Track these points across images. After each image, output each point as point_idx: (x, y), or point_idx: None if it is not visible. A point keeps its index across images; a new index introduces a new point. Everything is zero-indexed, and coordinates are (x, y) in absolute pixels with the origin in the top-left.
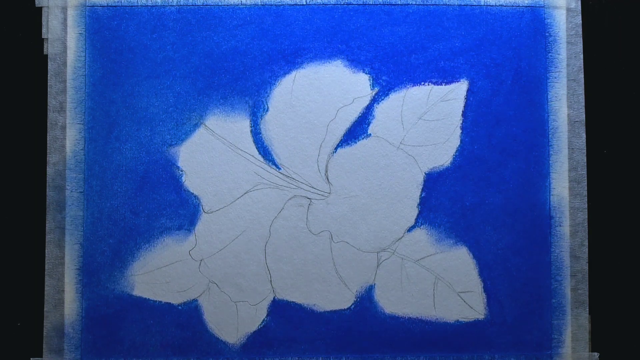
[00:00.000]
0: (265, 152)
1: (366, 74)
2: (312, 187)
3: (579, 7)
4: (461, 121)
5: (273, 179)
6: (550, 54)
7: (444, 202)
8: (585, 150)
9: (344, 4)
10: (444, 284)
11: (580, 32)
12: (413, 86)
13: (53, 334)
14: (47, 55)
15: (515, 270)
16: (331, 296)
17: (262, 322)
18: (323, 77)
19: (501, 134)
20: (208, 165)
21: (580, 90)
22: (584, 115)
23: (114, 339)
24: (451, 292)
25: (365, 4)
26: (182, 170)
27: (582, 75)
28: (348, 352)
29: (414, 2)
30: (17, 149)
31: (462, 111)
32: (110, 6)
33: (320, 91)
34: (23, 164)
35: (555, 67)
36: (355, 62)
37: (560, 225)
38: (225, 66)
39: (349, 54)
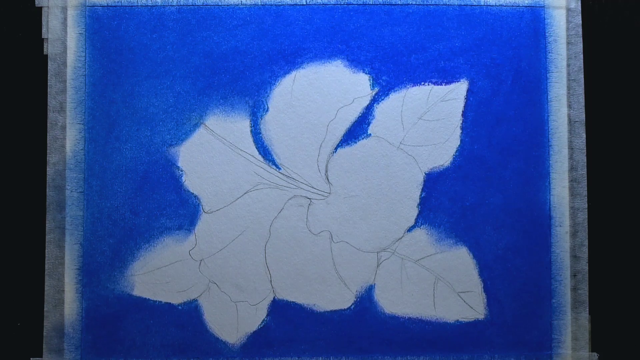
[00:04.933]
0: (265, 152)
1: (366, 74)
2: (312, 187)
3: (579, 7)
4: (461, 121)
5: (273, 179)
6: (550, 54)
7: (444, 202)
8: (585, 150)
9: (344, 4)
10: (444, 284)
11: (580, 32)
12: (413, 86)
13: (53, 334)
14: (47, 55)
15: (515, 270)
16: (331, 296)
17: (262, 322)
18: (323, 77)
19: (501, 134)
20: (208, 165)
21: (580, 90)
22: (584, 115)
23: (114, 339)
24: (451, 292)
25: (365, 4)
26: (182, 170)
27: (582, 75)
28: (348, 352)
29: (414, 2)
30: (17, 149)
31: (462, 111)
32: (110, 6)
33: (320, 91)
34: (23, 164)
35: (555, 67)
36: (355, 62)
37: (560, 225)
38: (225, 66)
39: (349, 54)
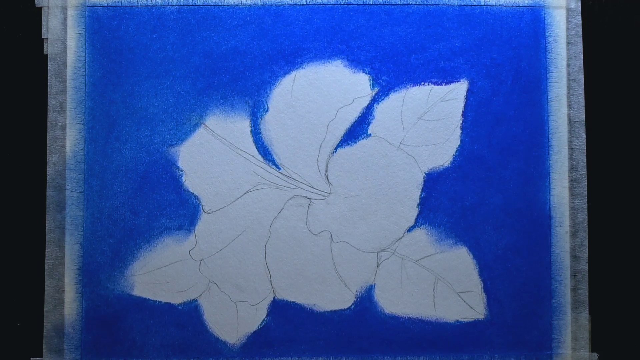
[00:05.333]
0: (265, 152)
1: (366, 74)
2: (312, 187)
3: (579, 7)
4: (461, 121)
5: (273, 179)
6: (550, 54)
7: (444, 202)
8: (585, 150)
9: (344, 4)
10: (444, 284)
11: (580, 32)
12: (413, 86)
13: (53, 334)
14: (47, 55)
15: (515, 270)
16: (331, 296)
17: (262, 322)
18: (323, 77)
19: (501, 134)
20: (208, 165)
21: (580, 90)
22: (584, 115)
23: (114, 339)
24: (451, 292)
25: (365, 4)
26: (182, 170)
27: (582, 75)
28: (348, 352)
29: (414, 2)
30: (17, 149)
31: (462, 111)
32: (110, 6)
33: (320, 91)
34: (23, 164)
35: (555, 67)
36: (355, 62)
37: (560, 225)
38: (225, 66)
39: (349, 54)
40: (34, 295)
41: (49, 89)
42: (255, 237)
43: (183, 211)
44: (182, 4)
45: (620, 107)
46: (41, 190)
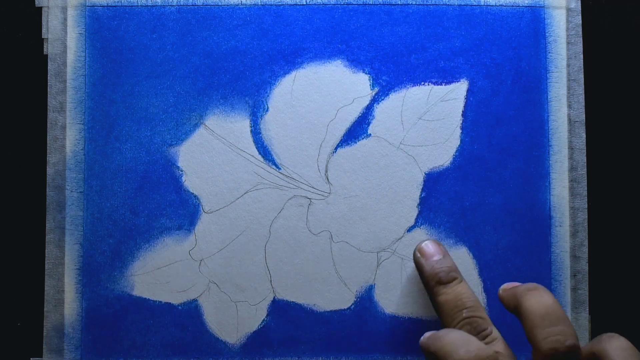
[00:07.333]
0: (265, 152)
1: (366, 74)
2: (312, 187)
3: (579, 7)
4: (461, 121)
5: (273, 179)
6: (550, 54)
7: (444, 202)
8: (585, 150)
9: (344, 4)
10: None
11: (580, 32)
12: (413, 86)
13: (53, 334)
14: (47, 55)
15: (515, 270)
16: (331, 296)
17: (262, 322)
18: (323, 77)
19: (501, 134)
20: (208, 165)
21: (580, 90)
22: (584, 115)
23: (114, 339)
24: None
25: (365, 4)
26: (182, 170)
27: (582, 75)
28: (348, 352)
29: (414, 2)
30: (17, 149)
31: (462, 111)
32: (110, 6)
33: (320, 91)
34: (23, 164)
35: (555, 67)
36: (355, 62)
37: (560, 225)
38: (225, 66)
39: (349, 54)
40: (34, 295)
41: (49, 89)
42: (255, 237)
43: (183, 211)
44: (182, 4)
45: (620, 107)
46: (41, 190)
